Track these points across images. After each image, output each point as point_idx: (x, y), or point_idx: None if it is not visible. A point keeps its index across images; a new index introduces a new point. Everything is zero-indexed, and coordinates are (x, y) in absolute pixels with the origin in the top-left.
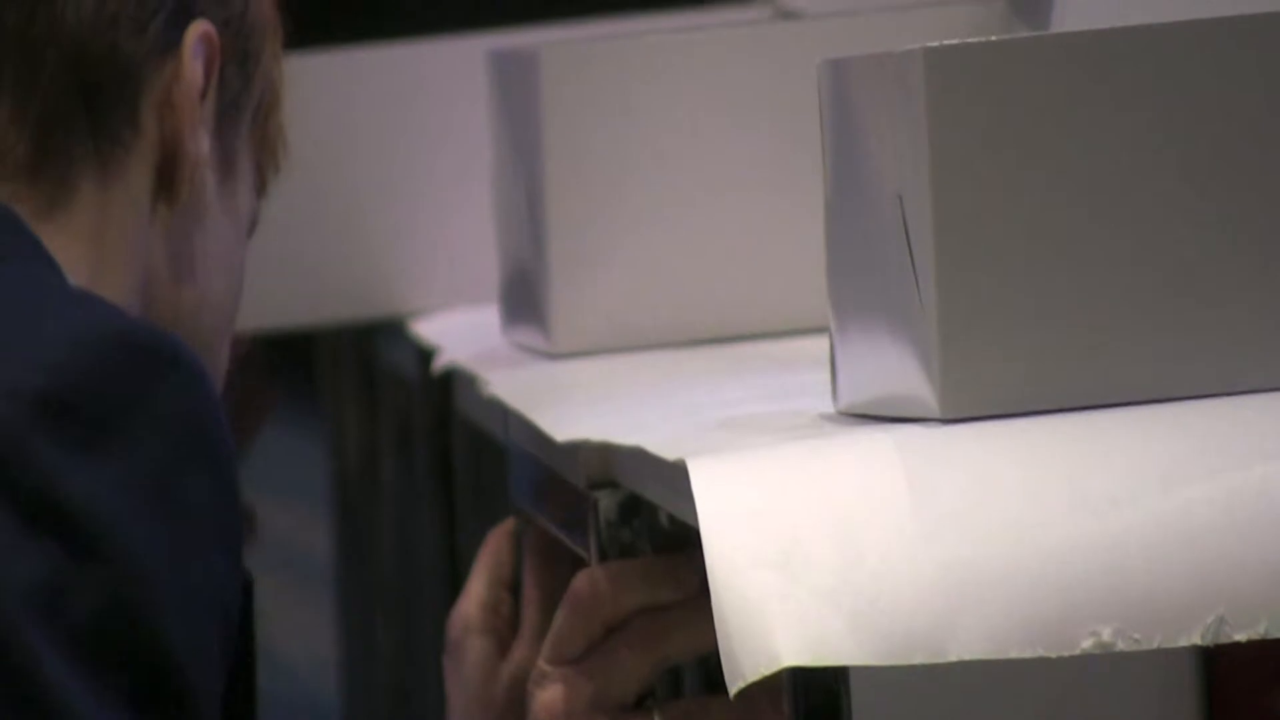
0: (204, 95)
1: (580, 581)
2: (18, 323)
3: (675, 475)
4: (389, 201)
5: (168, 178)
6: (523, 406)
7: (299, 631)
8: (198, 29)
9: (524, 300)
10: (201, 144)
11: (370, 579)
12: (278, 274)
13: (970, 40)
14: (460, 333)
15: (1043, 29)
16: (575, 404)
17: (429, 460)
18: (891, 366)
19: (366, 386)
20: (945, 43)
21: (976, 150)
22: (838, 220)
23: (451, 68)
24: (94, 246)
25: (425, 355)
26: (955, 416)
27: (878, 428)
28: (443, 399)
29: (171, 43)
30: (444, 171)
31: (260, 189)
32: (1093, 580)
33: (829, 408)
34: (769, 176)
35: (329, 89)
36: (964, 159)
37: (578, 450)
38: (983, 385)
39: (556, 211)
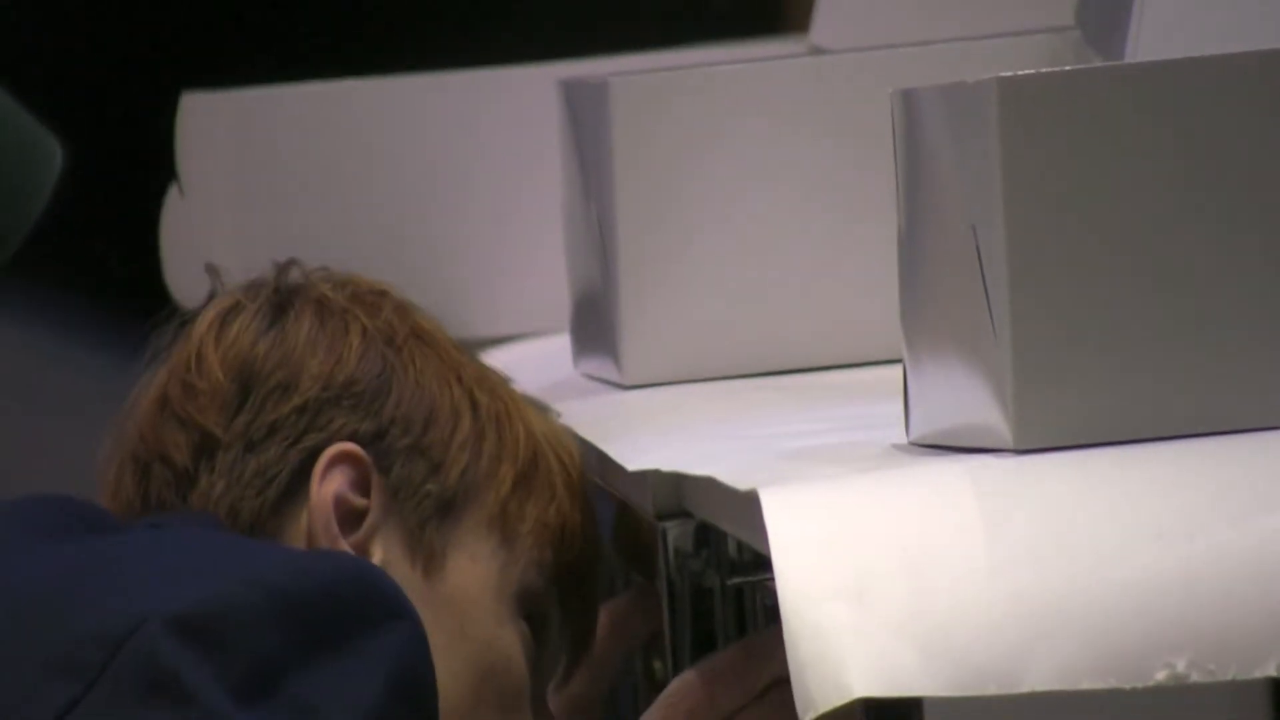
0: (358, 520)
1: (676, 688)
2: (263, 545)
3: (747, 505)
4: (458, 230)
5: None
6: (593, 436)
7: None
8: (327, 456)
9: (595, 331)
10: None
11: None
12: None
13: (1043, 70)
14: (531, 363)
15: (1117, 59)
16: (646, 434)
17: None
18: (965, 397)
19: None
20: (1019, 72)
21: (1050, 180)
22: (910, 251)
23: (521, 97)
24: None
25: None
26: (1029, 447)
27: (951, 458)
28: None
29: (300, 488)
30: (515, 199)
31: (535, 557)
32: (1167, 612)
33: (901, 438)
34: (840, 207)
35: (400, 116)
36: (1037, 189)
37: (648, 480)
38: (1056, 416)
39: (627, 242)
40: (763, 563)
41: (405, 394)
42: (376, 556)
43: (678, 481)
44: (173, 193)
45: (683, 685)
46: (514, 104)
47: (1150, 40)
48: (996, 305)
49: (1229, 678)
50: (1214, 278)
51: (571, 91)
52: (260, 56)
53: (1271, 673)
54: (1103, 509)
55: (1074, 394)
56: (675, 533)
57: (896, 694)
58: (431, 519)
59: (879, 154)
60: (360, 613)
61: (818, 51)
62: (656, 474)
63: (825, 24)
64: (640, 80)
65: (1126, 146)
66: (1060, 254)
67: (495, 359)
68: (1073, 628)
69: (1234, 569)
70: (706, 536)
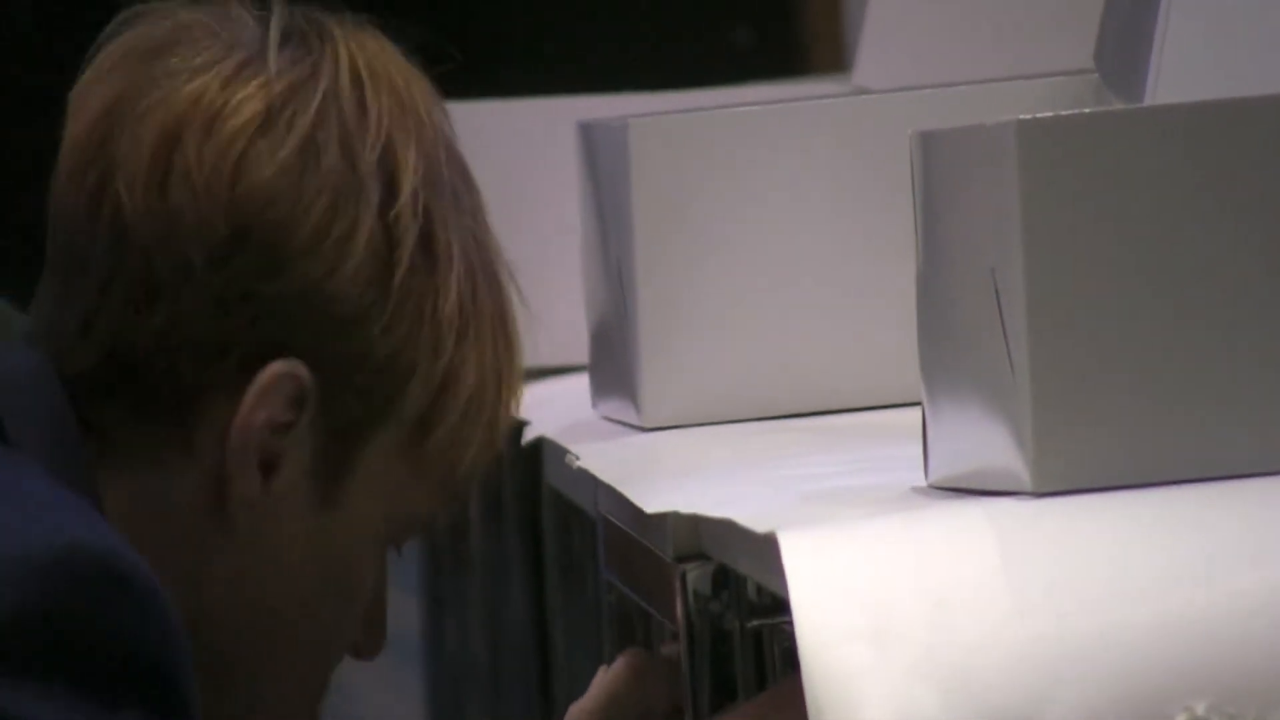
0: (283, 432)
1: None
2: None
3: (765, 548)
4: None
5: (219, 503)
6: (612, 479)
7: (387, 708)
8: (275, 371)
9: (614, 373)
10: (251, 482)
11: (459, 652)
12: None
13: (1063, 112)
14: (549, 405)
15: (1136, 101)
16: (665, 476)
17: (518, 533)
18: (984, 440)
19: None
20: (1038, 115)
21: (1070, 222)
22: (929, 293)
23: (545, 130)
24: (124, 523)
25: (514, 427)
26: (1048, 490)
27: (970, 501)
28: (532, 471)
29: (243, 381)
30: (537, 235)
31: (433, 496)
32: (1187, 654)
33: (920, 481)
34: (859, 249)
35: None
36: (1057, 231)
37: (667, 522)
38: (1075, 459)
39: (646, 285)
40: (782, 605)
41: (383, 329)
42: (254, 482)
43: (696, 524)
44: None
45: None
46: (539, 134)
47: (1169, 82)
48: (1015, 348)
49: None
50: (1234, 320)
51: (590, 133)
52: None
53: None
54: (1122, 552)
55: (1093, 437)
56: (695, 575)
57: None
58: (343, 444)
59: (899, 196)
60: (71, 611)
61: (860, 91)
62: (675, 516)
63: (868, 64)
64: (659, 122)
65: (1146, 189)
66: (1079, 296)
67: None
68: (1092, 670)
69: (1254, 612)
70: (726, 579)
